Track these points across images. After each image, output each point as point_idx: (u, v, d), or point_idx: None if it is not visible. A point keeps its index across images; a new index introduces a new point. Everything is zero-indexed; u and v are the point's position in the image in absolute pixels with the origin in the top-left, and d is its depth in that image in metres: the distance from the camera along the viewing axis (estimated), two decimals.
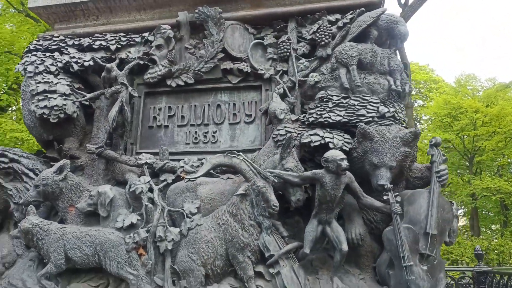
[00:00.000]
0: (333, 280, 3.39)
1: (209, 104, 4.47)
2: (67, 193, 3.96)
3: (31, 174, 4.15)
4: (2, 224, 4.28)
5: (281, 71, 4.31)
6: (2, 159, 4.11)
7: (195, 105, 4.50)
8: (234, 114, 4.39)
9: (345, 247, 3.32)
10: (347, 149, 3.56)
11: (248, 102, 4.40)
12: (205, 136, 4.38)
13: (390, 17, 4.05)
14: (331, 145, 3.53)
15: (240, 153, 3.63)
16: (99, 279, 3.76)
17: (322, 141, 3.59)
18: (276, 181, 3.47)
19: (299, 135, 3.78)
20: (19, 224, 3.74)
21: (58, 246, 3.66)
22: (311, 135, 3.67)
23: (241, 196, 3.50)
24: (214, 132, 4.37)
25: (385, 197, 3.27)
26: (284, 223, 3.77)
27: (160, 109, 4.55)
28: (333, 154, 3.31)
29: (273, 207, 3.36)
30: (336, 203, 3.39)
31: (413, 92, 31.23)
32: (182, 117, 4.48)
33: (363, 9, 4.15)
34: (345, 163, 3.25)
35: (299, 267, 3.44)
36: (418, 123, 33.14)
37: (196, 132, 4.41)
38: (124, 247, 3.62)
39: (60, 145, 4.37)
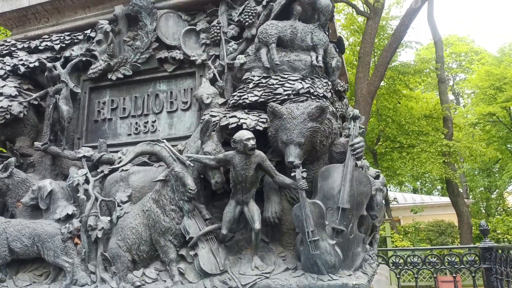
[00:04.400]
0: (253, 259, 3.41)
1: (148, 94, 4.55)
2: (14, 189, 4.18)
3: None
4: None
5: (213, 56, 4.31)
6: None
7: (135, 97, 4.58)
8: (172, 103, 4.44)
9: (257, 225, 3.31)
10: (261, 128, 3.53)
11: (185, 89, 4.44)
12: (145, 126, 4.46)
13: None
14: (244, 126, 3.51)
15: (164, 141, 3.68)
16: (43, 268, 3.96)
17: (239, 123, 3.58)
18: (192, 165, 3.52)
19: (221, 119, 3.78)
20: None
21: (1, 239, 3.87)
22: (229, 117, 3.66)
23: (163, 182, 3.58)
24: (154, 122, 4.45)
25: (292, 174, 3.23)
26: (213, 206, 3.84)
27: (104, 103, 4.68)
28: (240, 134, 3.29)
29: (189, 191, 3.41)
30: (250, 183, 3.38)
31: (453, 66, 29.40)
32: (124, 109, 4.58)
33: None
34: (251, 143, 3.23)
35: (219, 248, 3.48)
36: (461, 98, 31.28)
37: (137, 123, 4.50)
38: (59, 237, 3.79)
39: (11, 144, 4.59)
